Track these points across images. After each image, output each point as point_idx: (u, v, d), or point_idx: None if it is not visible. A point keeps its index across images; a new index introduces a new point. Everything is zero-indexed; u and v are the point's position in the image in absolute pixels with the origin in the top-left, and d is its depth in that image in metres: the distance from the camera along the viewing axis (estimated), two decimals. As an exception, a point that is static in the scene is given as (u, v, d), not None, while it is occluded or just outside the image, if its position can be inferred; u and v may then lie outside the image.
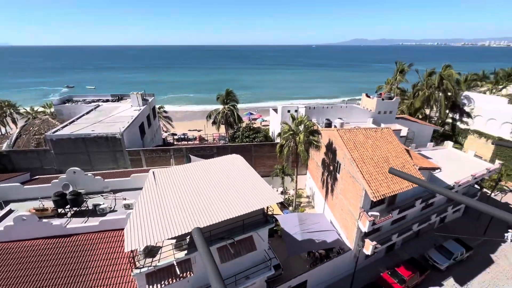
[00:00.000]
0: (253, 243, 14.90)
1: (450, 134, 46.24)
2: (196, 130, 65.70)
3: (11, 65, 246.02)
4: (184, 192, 13.77)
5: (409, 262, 23.54)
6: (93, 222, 16.24)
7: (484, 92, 44.82)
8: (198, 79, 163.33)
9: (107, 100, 45.97)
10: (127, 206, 17.32)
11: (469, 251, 25.31)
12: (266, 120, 68.79)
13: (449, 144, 33.61)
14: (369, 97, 34.85)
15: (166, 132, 61.14)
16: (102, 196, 19.35)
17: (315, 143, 23.77)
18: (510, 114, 37.34)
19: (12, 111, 47.09)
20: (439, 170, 23.17)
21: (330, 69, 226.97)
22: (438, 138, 44.92)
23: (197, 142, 57.26)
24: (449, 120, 47.17)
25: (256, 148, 32.25)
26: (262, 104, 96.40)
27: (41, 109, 49.20)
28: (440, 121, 47.13)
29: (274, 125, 38.75)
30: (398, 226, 23.53)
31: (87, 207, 17.80)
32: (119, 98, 46.95)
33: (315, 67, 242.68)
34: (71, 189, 18.41)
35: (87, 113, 37.73)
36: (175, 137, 59.77)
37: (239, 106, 43.55)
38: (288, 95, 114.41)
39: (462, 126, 45.13)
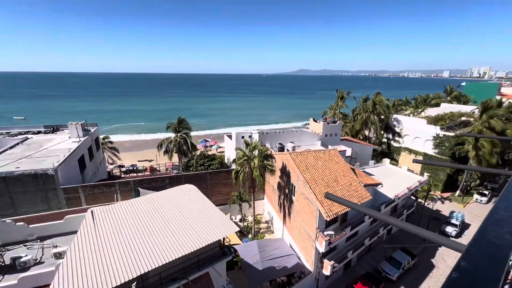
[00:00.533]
0: (210, 280, 13.81)
1: (387, 152, 52.05)
2: (147, 160, 61.73)
3: None
4: (128, 232, 12.30)
5: (364, 277, 24.45)
6: (10, 280, 13.25)
7: (408, 115, 52.37)
8: (149, 107, 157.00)
9: (39, 132, 40.66)
10: (58, 255, 14.65)
11: (414, 258, 27.52)
12: (221, 147, 68.47)
13: (386, 161, 37.63)
14: (316, 121, 37.66)
15: (112, 164, 55.97)
16: (26, 246, 16.14)
17: (269, 167, 24.20)
18: (430, 133, 43.96)
19: None
20: (381, 185, 25.46)
21: (280, 96, 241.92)
22: (378, 156, 50.07)
23: (148, 173, 53.48)
24: (385, 140, 53.33)
25: (211, 176, 31.38)
26: (217, 131, 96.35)
27: None
28: (377, 141, 52.94)
29: (229, 151, 38.72)
30: (352, 242, 24.61)
31: (3, 262, 14.55)
32: (54, 129, 42.02)
33: (266, 94, 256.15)
34: (-19, 241, 14.99)
35: (12, 147, 32.60)
36: (123, 169, 54.95)
37: (193, 133, 42.61)
38: (243, 121, 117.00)
39: (395, 144, 51.35)
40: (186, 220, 13.84)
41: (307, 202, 21.89)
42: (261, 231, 31.75)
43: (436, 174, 43.88)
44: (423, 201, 36.56)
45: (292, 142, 30.95)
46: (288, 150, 30.34)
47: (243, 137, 35.09)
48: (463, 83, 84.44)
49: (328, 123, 35.79)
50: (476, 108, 45.27)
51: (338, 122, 36.85)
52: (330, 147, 33.14)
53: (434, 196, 41.52)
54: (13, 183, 24.79)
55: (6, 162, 27.09)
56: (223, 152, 56.10)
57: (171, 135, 38.40)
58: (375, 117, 51.06)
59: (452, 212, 35.16)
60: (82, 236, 11.99)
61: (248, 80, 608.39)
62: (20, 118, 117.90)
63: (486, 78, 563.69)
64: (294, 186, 24.20)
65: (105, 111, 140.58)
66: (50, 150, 31.97)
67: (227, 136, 39.71)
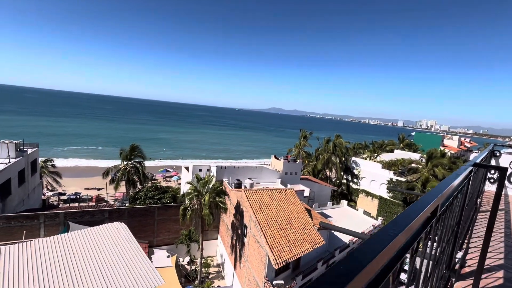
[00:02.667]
0: None
1: (347, 193, 53.23)
2: (95, 188, 55.70)
3: None
4: (24, 281, 9.48)
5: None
6: None
7: (366, 158, 55.31)
8: (112, 131, 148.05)
9: (-39, 149, 34.69)
10: None
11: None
12: (181, 178, 64.91)
13: (344, 202, 37.96)
14: (277, 158, 37.58)
15: (51, 191, 49.25)
16: None
17: (221, 204, 22.51)
18: (384, 177, 46.22)
19: None
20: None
21: (251, 131, 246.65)
22: (338, 197, 50.82)
23: (93, 203, 47.70)
24: (345, 181, 54.88)
25: (160, 211, 28.44)
26: (183, 162, 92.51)
27: None
28: (338, 181, 54.23)
29: (185, 184, 36.24)
30: (305, 291, 22.83)
31: None
32: (-17, 147, 36.28)
33: (238, 128, 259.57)
34: None
35: None
36: (63, 197, 48.47)
37: (154, 163, 39.65)
38: (210, 153, 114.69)
39: (354, 186, 52.92)
40: (103, 267, 11.38)
41: (257, 246, 20.22)
42: (210, 276, 28.53)
43: (391, 217, 45.17)
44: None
45: (250, 179, 29.93)
46: (245, 186, 29.14)
47: (200, 169, 33.38)
48: (413, 133, 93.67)
49: (288, 161, 35.82)
50: (423, 157, 49.30)
51: (298, 161, 37.10)
52: (289, 185, 32.63)
53: (389, 240, 42.05)
54: None
55: None
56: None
57: (120, 162, 35.18)
58: (336, 158, 53.04)
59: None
60: None
61: (220, 112, 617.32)
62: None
63: (432, 130, 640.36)
64: (247, 227, 22.55)
65: (60, 130, 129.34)
66: (-34, 171, 26.93)
67: (185, 167, 37.57)
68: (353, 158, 54.29)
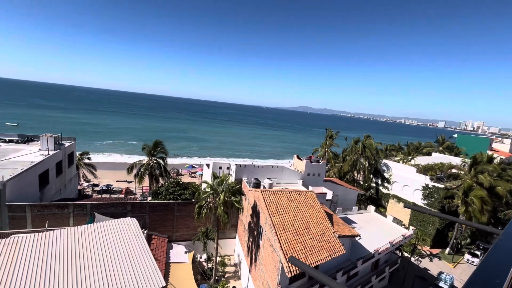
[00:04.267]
0: None
1: (375, 198, 49.80)
2: (126, 181, 58.77)
3: None
4: (15, 282, 9.78)
5: None
6: None
7: (398, 161, 51.17)
8: (146, 127, 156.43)
9: (11, 141, 38.60)
10: None
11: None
12: (207, 175, 65.95)
13: (371, 208, 35.33)
14: (300, 159, 36.11)
15: (87, 182, 53.02)
16: None
17: (236, 204, 21.95)
18: (419, 182, 42.24)
19: None
20: (358, 237, 23.00)
21: (278, 129, 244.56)
22: (365, 201, 47.73)
23: (122, 195, 50.41)
24: (374, 185, 51.39)
25: (179, 206, 28.78)
26: (210, 159, 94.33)
27: None
28: (366, 185, 50.96)
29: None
30: (323, 302, 21.43)
31: None
32: (29, 139, 40.00)
33: (264, 126, 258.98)
34: None
35: (-29, 154, 30.35)
36: (96, 188, 51.93)
37: (183, 160, 40.50)
38: (236, 151, 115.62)
39: (384, 190, 49.29)
40: (108, 264, 11.39)
41: (271, 250, 19.31)
42: (227, 275, 28.27)
43: (425, 227, 41.25)
44: (409, 256, 33.54)
45: (269, 179, 29.02)
46: (264, 186, 28.32)
47: (220, 167, 33.26)
48: (455, 135, 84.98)
49: (311, 162, 34.18)
50: (466, 161, 44.24)
51: (322, 162, 35.27)
52: (311, 187, 31.10)
53: (422, 252, 38.44)
54: (-49, 195, 22.19)
55: (-46, 170, 24.72)
56: (206, 181, 53.62)
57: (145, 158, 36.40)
58: (365, 160, 49.88)
59: (440, 273, 31.94)
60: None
61: (248, 111, 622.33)
62: (12, 124, 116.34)
63: (479, 132, 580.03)
64: (262, 229, 21.75)
65: (101, 126, 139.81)
66: (11, 161, 29.65)
67: (206, 164, 37.77)
68: (384, 161, 50.56)
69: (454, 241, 39.24)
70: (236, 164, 30.54)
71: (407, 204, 38.54)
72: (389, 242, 26.23)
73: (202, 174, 66.53)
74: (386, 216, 34.22)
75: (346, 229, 23.26)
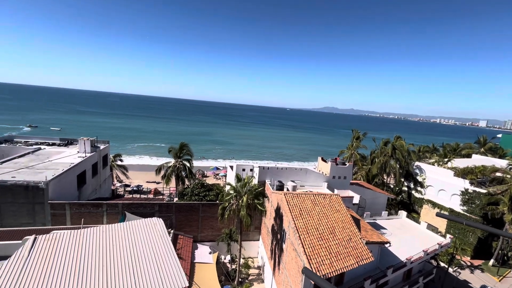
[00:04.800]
0: None
1: (407, 203, 46.86)
2: (154, 182, 61.41)
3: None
4: (52, 276, 10.52)
5: None
6: None
7: (433, 164, 47.66)
8: (173, 130, 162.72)
9: (53, 144, 42.20)
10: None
11: None
12: (231, 177, 66.82)
13: (403, 213, 33.28)
14: (324, 161, 35.08)
15: (120, 182, 56.25)
16: (-25, 265, 14.88)
17: (259, 207, 21.84)
18: (457, 186, 38.98)
19: None
20: (388, 244, 21.71)
21: (302, 131, 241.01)
22: (396, 206, 45.09)
23: (151, 195, 52.74)
24: (405, 188, 48.40)
25: (204, 207, 29.36)
26: (236, 161, 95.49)
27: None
28: (397, 189, 48.16)
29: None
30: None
31: None
32: (69, 142, 43.44)
33: (289, 128, 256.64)
34: None
35: (21, 156, 33.60)
36: (127, 188, 54.91)
37: (209, 162, 41.52)
38: (259, 153, 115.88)
39: (417, 195, 46.18)
40: (134, 262, 11.86)
41: (295, 254, 18.89)
42: (250, 278, 28.22)
43: (465, 236, 37.92)
44: (446, 266, 31.00)
45: (293, 181, 28.52)
46: (288, 189, 27.90)
47: (244, 169, 33.40)
48: (499, 135, 77.27)
49: (337, 164, 33.04)
50: (513, 164, 39.99)
51: (348, 164, 33.94)
52: (336, 191, 30.10)
53: (462, 262, 35.32)
54: (4, 193, 24.65)
55: (6, 170, 27.50)
56: (230, 182, 54.30)
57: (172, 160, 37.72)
58: (396, 162, 47.17)
59: (483, 287, 29.17)
60: (6, 268, 10.45)
61: (271, 112, 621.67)
62: (56, 129, 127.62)
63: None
64: (285, 233, 21.39)
65: (132, 130, 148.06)
66: (54, 162, 32.36)
67: (230, 166, 38.20)
68: (417, 163, 47.44)
69: (500, 252, 35.57)
70: (259, 166, 30.49)
71: (440, 213, 35.76)
72: (423, 251, 24.44)
73: (226, 176, 67.68)
74: (419, 223, 32.00)
75: (374, 235, 22.08)
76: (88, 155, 35.86)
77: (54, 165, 31.24)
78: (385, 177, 50.59)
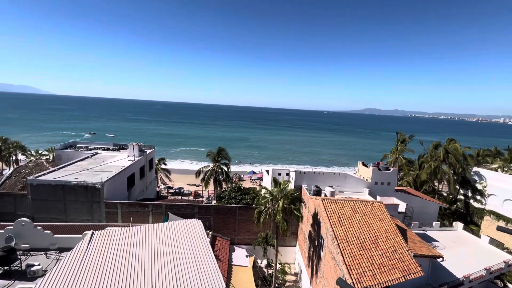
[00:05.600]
0: None
1: (464, 213, 41.73)
2: (195, 185, 64.38)
3: (48, 111, 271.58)
4: (105, 268, 11.61)
5: None
6: (19, 286, 13.91)
7: (496, 170, 41.78)
8: (212, 135, 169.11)
9: (108, 149, 47.02)
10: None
11: None
12: (267, 181, 66.87)
13: (459, 225, 29.73)
14: (365, 165, 33.12)
15: (163, 184, 60.23)
16: (46, 254, 17.26)
17: (296, 212, 21.45)
18: (528, 197, 33.61)
19: (18, 152, 48.96)
20: (441, 259, 19.54)
21: (341, 134, 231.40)
22: (450, 216, 40.47)
23: (192, 197, 55.35)
24: (461, 197, 43.23)
25: (241, 211, 29.88)
26: (272, 166, 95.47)
27: (46, 152, 50.89)
28: (451, 197, 43.24)
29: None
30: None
31: (20, 267, 15.67)
32: (120, 147, 47.99)
33: (326, 131, 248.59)
34: (14, 243, 16.67)
35: (82, 159, 38.08)
36: (170, 190, 58.46)
37: (245, 167, 42.46)
38: (296, 157, 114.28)
39: (476, 205, 40.87)
40: (175, 261, 12.56)
41: (334, 263, 18.07)
42: (287, 284, 27.75)
43: (540, 255, 32.28)
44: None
45: (331, 187, 27.48)
46: (325, 195, 26.97)
47: (280, 174, 33.24)
48: None
49: (379, 169, 30.93)
50: None
51: (392, 169, 31.54)
52: (379, 198, 28.16)
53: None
54: (69, 192, 28.13)
55: (70, 172, 31.44)
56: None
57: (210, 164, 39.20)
58: (449, 168, 42.42)
59: None
60: (69, 259, 11.91)
61: (308, 115, 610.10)
62: (110, 135, 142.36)
63: None
64: (323, 240, 20.64)
65: (175, 136, 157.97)
66: (108, 165, 36.05)
67: (266, 171, 38.32)
68: (476, 169, 42.12)
69: None
70: (295, 171, 30.04)
71: (502, 227, 31.02)
72: (485, 269, 21.43)
73: (261, 179, 68.00)
74: (479, 236, 28.21)
75: (424, 248, 20.08)
76: (136, 159, 39.18)
77: (108, 168, 34.81)
78: (436, 184, 45.84)
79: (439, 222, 29.71)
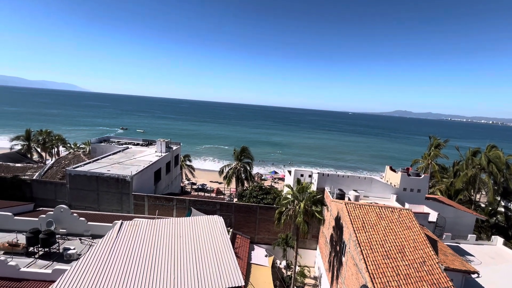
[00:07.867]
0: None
1: (505, 227, 38.11)
2: (217, 182, 65.65)
3: (86, 108, 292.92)
4: (132, 257, 12.29)
5: None
6: (57, 267, 15.22)
7: (546, 181, 37.60)
8: (236, 135, 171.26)
9: (138, 144, 49.52)
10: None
11: None
12: (288, 181, 66.31)
13: (498, 240, 27.24)
14: (393, 170, 31.50)
15: (187, 180, 62.14)
16: (81, 239, 18.65)
17: (317, 215, 21.03)
18: None
19: (59, 144, 53.41)
20: (476, 275, 18.04)
21: (368, 136, 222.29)
22: (489, 230, 37.22)
23: (214, 194, 56.53)
24: (502, 209, 39.53)
25: (261, 210, 29.96)
26: (296, 167, 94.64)
27: (83, 145, 54.93)
28: (490, 209, 39.70)
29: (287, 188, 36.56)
30: None
31: (58, 249, 17.08)
32: (149, 143, 50.33)
33: (352, 134, 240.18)
34: (53, 227, 18.21)
35: (114, 153, 40.50)
36: (194, 186, 60.14)
37: (267, 168, 42.60)
38: (319, 159, 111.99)
39: (520, 219, 37.14)
40: (197, 255, 12.92)
41: (356, 270, 17.45)
42: (306, 287, 27.31)
43: None
44: None
45: (355, 191, 26.56)
46: (349, 199, 26.14)
47: (302, 175, 32.80)
48: None
49: (409, 175, 29.26)
50: None
51: (423, 175, 29.67)
52: (407, 205, 26.69)
53: None
54: (102, 183, 30.11)
55: (104, 165, 33.60)
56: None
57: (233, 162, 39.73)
58: (489, 176, 38.95)
59: None
60: (100, 247, 12.76)
61: (332, 116, 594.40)
62: (140, 131, 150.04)
63: None
64: (345, 245, 20.01)
65: (200, 134, 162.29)
66: (137, 160, 37.99)
67: (288, 171, 37.98)
68: (520, 179, 38.30)
69: None
70: (318, 173, 29.45)
71: None
72: (528, 291, 19.43)
73: (283, 179, 67.54)
74: (523, 254, 25.60)
75: (456, 262, 18.67)
76: (163, 154, 40.85)
77: (137, 162, 36.68)
78: (473, 194, 42.36)
79: (475, 235, 27.43)
